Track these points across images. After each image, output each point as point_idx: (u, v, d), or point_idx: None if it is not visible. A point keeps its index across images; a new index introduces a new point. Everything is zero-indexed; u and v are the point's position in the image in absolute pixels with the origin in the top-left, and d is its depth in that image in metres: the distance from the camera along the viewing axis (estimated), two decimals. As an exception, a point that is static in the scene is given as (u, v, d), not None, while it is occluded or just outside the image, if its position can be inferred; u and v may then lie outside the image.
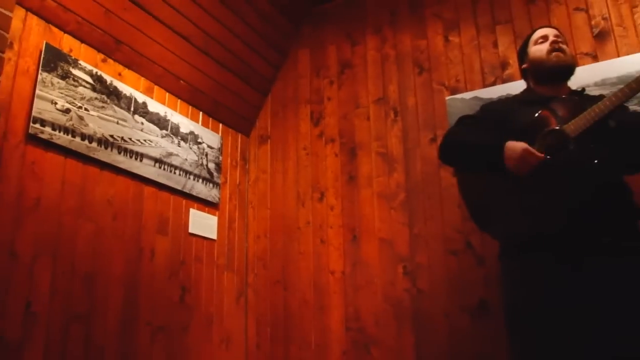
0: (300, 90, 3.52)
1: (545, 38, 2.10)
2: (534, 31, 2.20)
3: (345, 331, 3.02)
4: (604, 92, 2.48)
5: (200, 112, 3.27)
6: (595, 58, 2.74)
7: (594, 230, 1.78)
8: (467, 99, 2.92)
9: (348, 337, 2.95)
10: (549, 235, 1.79)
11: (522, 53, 2.22)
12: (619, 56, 2.69)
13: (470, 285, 2.72)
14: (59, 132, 2.36)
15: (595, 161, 1.79)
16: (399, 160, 3.07)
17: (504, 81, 2.91)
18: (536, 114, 1.93)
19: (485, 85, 2.94)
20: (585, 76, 2.62)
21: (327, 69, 3.46)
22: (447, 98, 3.00)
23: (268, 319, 3.26)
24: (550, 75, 2.07)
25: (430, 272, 2.85)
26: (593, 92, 2.46)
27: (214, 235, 3.18)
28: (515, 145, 1.84)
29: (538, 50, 2.10)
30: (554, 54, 2.05)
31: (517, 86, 2.35)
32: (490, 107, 2.18)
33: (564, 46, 2.08)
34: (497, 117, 2.05)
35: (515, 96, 2.21)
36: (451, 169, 2.75)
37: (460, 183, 2.22)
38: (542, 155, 1.81)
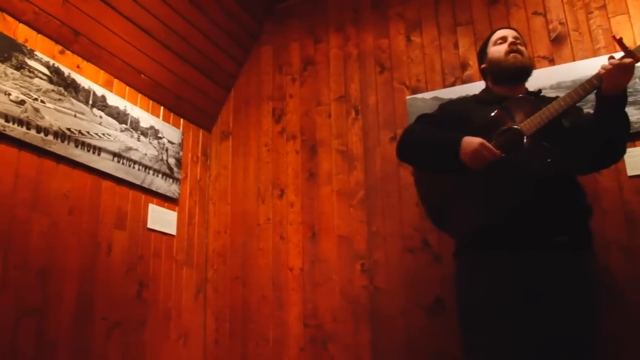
0: (262, 86, 3.52)
1: (504, 39, 2.12)
2: (493, 32, 2.23)
3: (303, 327, 3.03)
4: (560, 94, 2.53)
5: (161, 107, 3.25)
6: (552, 62, 2.81)
7: (545, 228, 1.82)
8: (428, 98, 2.96)
9: (306, 333, 2.97)
10: (501, 232, 1.82)
11: (482, 53, 2.25)
12: (574, 60, 2.76)
13: (426, 283, 2.76)
14: (13, 123, 2.33)
15: (548, 160, 1.82)
16: (359, 159, 3.10)
17: (464, 82, 2.96)
18: (493, 113, 1.96)
19: (445, 86, 2.99)
20: (542, 79, 2.65)
21: (289, 65, 3.47)
22: (408, 97, 3.03)
23: (227, 315, 3.27)
24: (507, 75, 2.09)
25: (387, 269, 2.88)
26: (549, 94, 2.47)
27: (173, 231, 3.18)
28: (472, 140, 1.86)
29: (497, 51, 2.13)
30: (511, 55, 2.07)
31: (477, 87, 2.38)
32: (449, 106, 2.20)
33: (522, 48, 2.11)
34: (455, 116, 2.07)
35: (474, 96, 2.24)
36: (410, 168, 2.78)
37: (417, 181, 2.27)
38: (498, 152, 1.83)
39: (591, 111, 1.98)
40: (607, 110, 1.83)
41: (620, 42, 1.75)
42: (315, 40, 3.44)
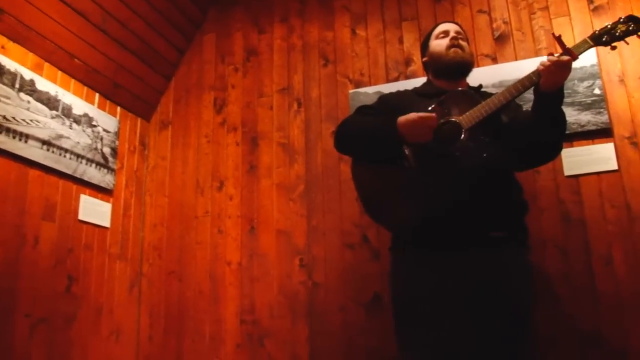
0: (204, 76, 3.44)
1: (446, 33, 2.13)
2: (436, 25, 2.23)
3: (239, 324, 2.98)
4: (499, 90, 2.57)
5: (97, 94, 3.13)
6: (494, 60, 2.84)
7: (482, 223, 1.82)
8: (370, 93, 2.94)
9: (242, 329, 2.92)
10: (436, 227, 1.82)
11: (424, 46, 2.25)
12: (516, 60, 2.79)
13: (365, 279, 2.76)
14: None
15: (485, 155, 1.82)
16: (300, 152, 3.07)
17: (407, 77, 2.97)
18: (432, 106, 1.94)
19: (388, 81, 2.99)
20: (485, 77, 2.67)
21: (232, 55, 3.40)
22: (351, 91, 3.01)
23: (162, 310, 3.18)
24: (447, 70, 2.10)
25: (326, 265, 2.87)
26: (490, 91, 2.54)
27: (106, 223, 3.07)
28: (408, 116, 1.85)
29: (438, 45, 2.13)
30: (452, 50, 2.08)
31: (420, 83, 2.33)
32: (388, 98, 2.19)
33: (463, 43, 2.12)
34: (394, 108, 2.04)
35: (415, 88, 2.22)
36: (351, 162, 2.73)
37: (354, 174, 2.17)
38: (435, 116, 1.83)
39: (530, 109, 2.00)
40: (545, 107, 1.84)
41: (559, 39, 1.77)
42: (259, 31, 3.39)
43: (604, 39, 1.78)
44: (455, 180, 1.81)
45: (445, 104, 1.93)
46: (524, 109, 2.11)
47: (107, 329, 3.00)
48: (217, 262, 3.07)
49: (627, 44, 1.82)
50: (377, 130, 1.96)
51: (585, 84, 2.62)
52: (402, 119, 1.85)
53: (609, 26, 1.78)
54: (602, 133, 2.57)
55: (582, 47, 1.78)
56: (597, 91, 2.60)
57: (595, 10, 2.77)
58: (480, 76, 2.56)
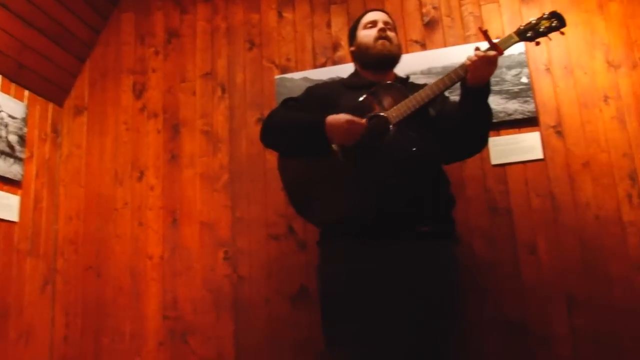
0: (122, 58, 3.26)
1: (374, 24, 2.09)
2: (364, 14, 2.18)
3: (162, 320, 2.85)
4: (430, 80, 2.34)
5: (0, 76, 2.87)
6: (423, 46, 2.82)
7: (408, 218, 1.82)
8: (297, 79, 2.88)
9: (165, 326, 2.82)
10: (363, 221, 1.81)
11: (351, 35, 2.20)
12: (445, 46, 2.78)
13: (291, 271, 2.71)
14: None
15: (414, 149, 1.81)
16: (224, 140, 2.97)
17: (335, 63, 2.91)
18: (360, 99, 1.92)
19: (315, 66, 2.93)
20: (414, 63, 2.68)
21: (152, 36, 3.23)
22: (277, 77, 2.94)
23: (78, 309, 3.02)
24: (375, 62, 2.07)
25: (251, 257, 2.80)
26: (419, 80, 2.51)
27: (14, 217, 2.86)
28: (338, 117, 1.83)
29: (366, 35, 2.09)
30: (380, 41, 2.05)
31: (348, 69, 2.32)
32: (315, 90, 2.15)
33: (391, 34, 2.09)
34: (322, 100, 2.03)
35: (342, 80, 2.20)
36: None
37: (280, 168, 2.14)
38: (364, 123, 1.82)
39: (457, 99, 1.96)
40: (471, 101, 1.84)
41: (485, 34, 1.76)
42: (181, 11, 3.24)
43: (528, 35, 1.79)
44: (383, 174, 1.80)
45: (373, 97, 1.92)
46: (452, 100, 2.10)
47: (15, 332, 2.80)
48: (137, 256, 2.94)
49: (550, 39, 1.83)
50: (304, 127, 1.94)
51: (513, 72, 2.63)
52: (330, 120, 1.84)
53: (533, 22, 1.79)
54: (529, 122, 2.60)
55: (508, 42, 1.79)
56: (524, 80, 2.61)
57: (524, -2, 2.86)
58: (409, 63, 2.59)
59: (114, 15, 3.34)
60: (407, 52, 2.77)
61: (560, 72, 2.64)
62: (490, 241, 2.52)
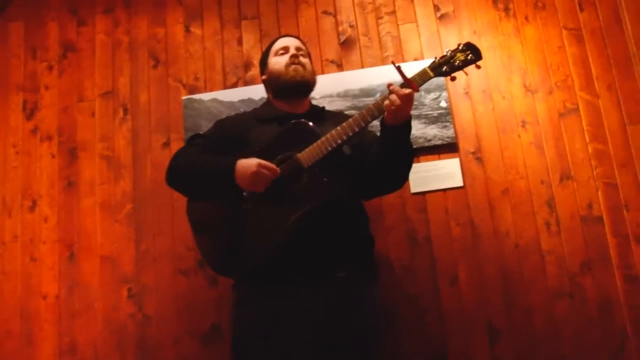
0: (10, 73, 2.96)
1: (285, 50, 2.03)
2: (275, 40, 2.13)
3: (58, 366, 2.61)
4: (347, 103, 2.57)
5: None
6: (340, 67, 2.73)
7: (324, 263, 1.78)
8: (206, 100, 2.72)
9: (62, 373, 2.58)
10: (278, 266, 1.77)
11: (263, 63, 2.14)
12: (363, 67, 2.70)
13: (201, 309, 2.56)
14: None
15: (326, 195, 1.76)
16: (127, 166, 2.77)
17: (247, 83, 2.78)
18: (274, 136, 1.86)
19: (226, 86, 2.79)
20: (330, 85, 2.61)
21: (45, 50, 2.97)
22: (184, 98, 2.76)
23: (-40, 355, 2.70)
24: (287, 90, 2.00)
25: (158, 294, 2.61)
26: (336, 102, 2.56)
27: None
28: (248, 162, 1.76)
29: (277, 62, 2.03)
30: (292, 67, 1.99)
31: (260, 90, 2.27)
32: (225, 125, 2.05)
33: (304, 60, 2.03)
34: (232, 136, 1.95)
35: (255, 111, 2.12)
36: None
37: (188, 213, 2.04)
38: (277, 169, 1.76)
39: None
40: (390, 140, 1.79)
41: (399, 70, 1.68)
42: (78, 22, 3.00)
43: (443, 69, 1.73)
44: (295, 219, 1.74)
45: (287, 134, 1.85)
46: (371, 133, 2.02)
47: None
48: (30, 295, 2.67)
49: (466, 74, 1.79)
50: (213, 173, 1.85)
51: (432, 95, 2.59)
52: (241, 166, 1.76)
53: (448, 54, 1.73)
54: (448, 148, 2.57)
55: (423, 78, 1.73)
56: (443, 104, 2.58)
57: (442, 18, 2.75)
58: (325, 84, 2.56)
59: (0, 24, 3.02)
60: (322, 72, 2.71)
61: (479, 96, 2.62)
62: (410, 272, 2.46)
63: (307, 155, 1.78)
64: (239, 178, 1.76)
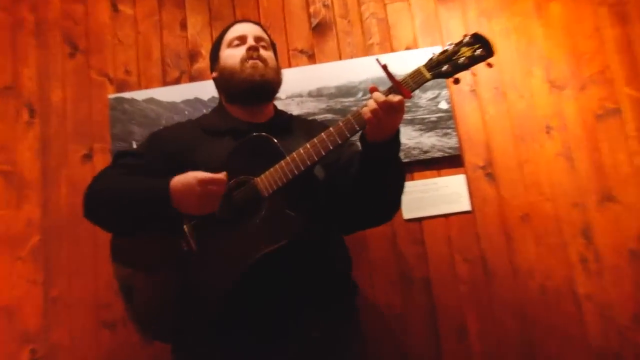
0: None
1: (242, 40, 1.85)
2: (229, 27, 1.92)
3: None
4: (321, 104, 2.39)
5: None
6: (312, 58, 2.46)
7: (292, 317, 1.62)
8: (140, 100, 2.43)
9: None
10: (226, 325, 1.59)
11: (213, 57, 1.94)
12: (340, 59, 2.45)
13: (132, 375, 2.27)
14: None
15: (291, 233, 1.55)
16: (34, 185, 2.41)
17: (192, 78, 2.48)
18: (227, 154, 1.67)
19: (166, 83, 2.47)
20: (299, 82, 2.39)
21: None
22: (111, 97, 2.44)
23: None
24: (243, 93, 1.81)
25: (73, 355, 2.24)
26: (307, 104, 2.37)
27: None
28: (186, 179, 1.55)
29: (231, 56, 1.84)
30: (250, 62, 1.80)
31: (211, 87, 1.99)
32: (163, 138, 1.83)
33: (265, 53, 1.85)
34: (174, 154, 1.74)
35: (201, 119, 1.91)
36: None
37: (112, 253, 1.78)
38: (224, 177, 1.55)
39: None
40: (375, 160, 1.62)
41: (385, 70, 1.51)
42: (-36, -5, 2.62)
43: (444, 69, 1.53)
44: (252, 267, 1.56)
45: (243, 150, 1.68)
46: (350, 149, 1.83)
47: None
48: None
49: (474, 75, 1.72)
50: (140, 198, 1.64)
51: (429, 95, 2.34)
52: (176, 182, 1.58)
53: (449, 49, 1.54)
54: (451, 161, 2.32)
55: (417, 81, 1.53)
56: (443, 105, 2.33)
57: (441, -5, 2.50)
58: (294, 81, 2.37)
59: None
60: (289, 65, 2.44)
61: (490, 94, 2.35)
62: (404, 323, 2.19)
63: (267, 180, 1.60)
64: (178, 201, 1.56)
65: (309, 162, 1.56)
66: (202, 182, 1.53)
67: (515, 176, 2.28)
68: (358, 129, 1.53)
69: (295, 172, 1.57)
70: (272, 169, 1.60)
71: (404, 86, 1.50)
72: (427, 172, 2.30)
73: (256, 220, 1.59)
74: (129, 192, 1.67)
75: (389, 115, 1.49)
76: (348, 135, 1.55)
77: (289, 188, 1.60)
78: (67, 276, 2.32)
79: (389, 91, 1.50)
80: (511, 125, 2.32)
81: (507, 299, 2.18)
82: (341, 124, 1.54)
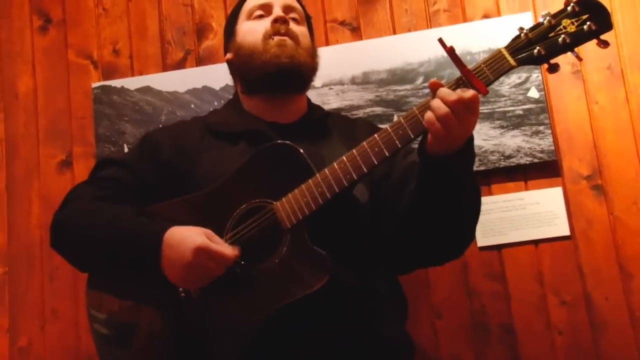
0: None
1: (266, 10, 1.67)
2: None
3: None
4: (367, 94, 2.20)
5: None
6: (356, 32, 2.25)
7: None
8: (133, 90, 2.27)
9: None
10: None
11: (228, 33, 1.76)
12: (394, 33, 2.24)
13: None
14: None
15: (324, 275, 1.36)
16: (-4, 201, 2.33)
17: (200, 61, 2.29)
18: (236, 168, 1.50)
19: (166, 67, 2.30)
20: (339, 64, 2.20)
21: None
22: (95, 85, 2.27)
23: None
24: (266, 80, 1.61)
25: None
26: (349, 94, 2.18)
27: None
28: (183, 240, 1.37)
29: (251, 31, 1.65)
30: (275, 39, 1.60)
31: (224, 73, 1.80)
32: (159, 141, 1.66)
33: (297, 29, 1.66)
34: (169, 163, 1.58)
35: (209, 117, 1.74)
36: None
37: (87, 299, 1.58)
38: (233, 254, 1.37)
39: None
40: (440, 180, 1.41)
41: (452, 54, 1.31)
42: None
43: (535, 52, 1.30)
44: (267, 326, 1.38)
45: (262, 161, 1.50)
46: (408, 159, 1.61)
47: None
48: None
49: (580, 60, 1.37)
50: (119, 247, 1.47)
51: (514, 79, 2.09)
52: (172, 243, 1.38)
53: (544, 23, 1.31)
54: (544, 169, 2.08)
55: (496, 70, 1.32)
56: (533, 93, 2.09)
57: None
58: (332, 63, 2.11)
59: None
60: (326, 43, 2.24)
61: (601, 77, 2.10)
62: None
63: (289, 205, 1.43)
64: (167, 266, 1.39)
65: (345, 182, 1.37)
66: (200, 250, 1.34)
67: (634, 190, 2.04)
68: (413, 136, 1.32)
69: (328, 195, 1.37)
70: (296, 191, 1.42)
71: (478, 76, 1.27)
72: (510, 185, 2.08)
73: (274, 260, 1.39)
74: (106, 233, 1.48)
75: (461, 119, 1.25)
76: (399, 146, 1.34)
77: (319, 217, 1.41)
78: (39, 320, 2.18)
79: (457, 84, 1.28)
80: (630, 119, 2.07)
81: (621, 355, 1.96)
82: (390, 130, 1.34)
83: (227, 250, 1.37)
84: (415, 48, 2.16)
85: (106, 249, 1.50)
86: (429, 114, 1.27)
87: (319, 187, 1.39)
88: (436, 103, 1.25)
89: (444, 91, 1.26)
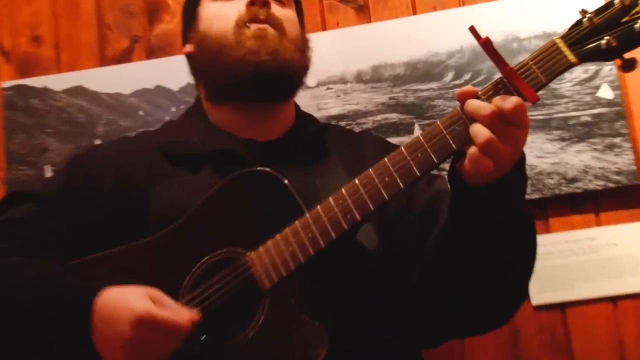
0: None
1: None
2: None
3: None
4: (379, 97, 1.95)
5: None
6: (363, 12, 1.97)
7: None
8: (59, 91, 1.94)
9: None
10: None
11: (188, 16, 1.46)
12: (414, 13, 1.98)
13: None
14: None
15: (316, 353, 1.11)
16: None
17: (153, 52, 2.00)
18: (199, 203, 1.22)
19: (106, 59, 2.00)
20: (342, 57, 1.92)
21: None
22: (6, 85, 1.98)
23: None
24: (238, 84, 1.31)
25: None
26: (355, 96, 1.93)
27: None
28: (120, 305, 1.09)
29: (219, 16, 1.36)
30: (252, 28, 1.30)
31: (183, 67, 1.46)
32: (94, 165, 1.37)
33: (281, 13, 1.37)
34: (108, 196, 1.28)
35: (162, 132, 1.46)
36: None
37: None
38: (193, 318, 1.08)
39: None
40: (479, 218, 1.13)
41: (488, 48, 1.03)
42: None
43: (604, 43, 0.99)
44: None
45: (224, 205, 1.25)
46: (430, 188, 1.35)
47: None
48: None
49: None
50: (33, 320, 1.18)
51: (579, 74, 1.77)
52: (109, 301, 1.12)
53: (615, 3, 0.99)
54: (622, 197, 1.77)
55: (550, 67, 1.03)
56: (605, 93, 1.76)
57: None
58: (332, 54, 1.90)
59: None
60: (323, 27, 1.98)
61: None
62: None
63: (268, 257, 1.16)
64: (103, 346, 1.11)
65: (345, 225, 1.13)
66: (141, 324, 1.07)
67: None
68: (437, 163, 1.11)
69: (321, 243, 1.14)
70: (278, 237, 1.18)
71: (525, 78, 1.04)
72: (576, 218, 1.75)
73: (247, 334, 1.16)
74: (8, 305, 1.22)
75: (504, 138, 1.03)
76: (418, 175, 1.12)
77: (312, 271, 1.19)
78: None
79: (495, 88, 1.05)
80: None
81: None
82: (405, 152, 1.10)
83: (181, 315, 1.08)
84: (442, 33, 1.84)
85: (9, 329, 1.21)
86: (472, 150, 1.02)
87: (309, 232, 1.15)
88: (475, 128, 1.02)
89: (473, 104, 1.02)
